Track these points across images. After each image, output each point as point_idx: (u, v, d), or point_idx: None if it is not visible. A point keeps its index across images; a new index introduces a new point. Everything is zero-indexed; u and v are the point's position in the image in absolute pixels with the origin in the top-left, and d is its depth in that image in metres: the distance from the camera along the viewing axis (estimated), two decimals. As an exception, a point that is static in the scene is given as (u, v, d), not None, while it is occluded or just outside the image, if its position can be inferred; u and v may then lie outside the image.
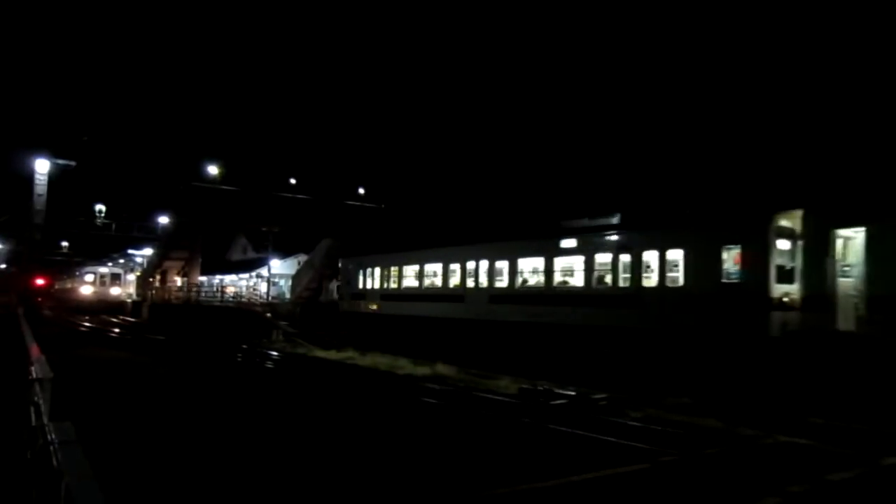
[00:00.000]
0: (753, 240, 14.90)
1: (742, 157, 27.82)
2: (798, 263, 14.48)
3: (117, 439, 9.97)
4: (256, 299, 44.41)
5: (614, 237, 18.09)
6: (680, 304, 16.07)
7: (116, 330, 36.92)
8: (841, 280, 13.94)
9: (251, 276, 55.13)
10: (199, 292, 47.27)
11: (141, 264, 62.18)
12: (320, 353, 25.17)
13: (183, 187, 44.08)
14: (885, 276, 13.00)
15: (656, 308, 16.54)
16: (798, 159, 24.93)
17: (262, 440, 10.43)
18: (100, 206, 50.74)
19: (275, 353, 24.21)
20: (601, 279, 18.37)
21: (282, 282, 51.31)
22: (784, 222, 14.81)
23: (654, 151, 32.09)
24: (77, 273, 64.93)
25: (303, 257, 46.86)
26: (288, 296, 44.65)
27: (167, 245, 50.26)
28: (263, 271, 49.82)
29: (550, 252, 19.80)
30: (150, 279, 54.55)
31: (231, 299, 44.45)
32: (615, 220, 19.00)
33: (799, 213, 14.73)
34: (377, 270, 28.10)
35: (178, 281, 54.77)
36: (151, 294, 51.29)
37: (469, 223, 31.49)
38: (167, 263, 51.76)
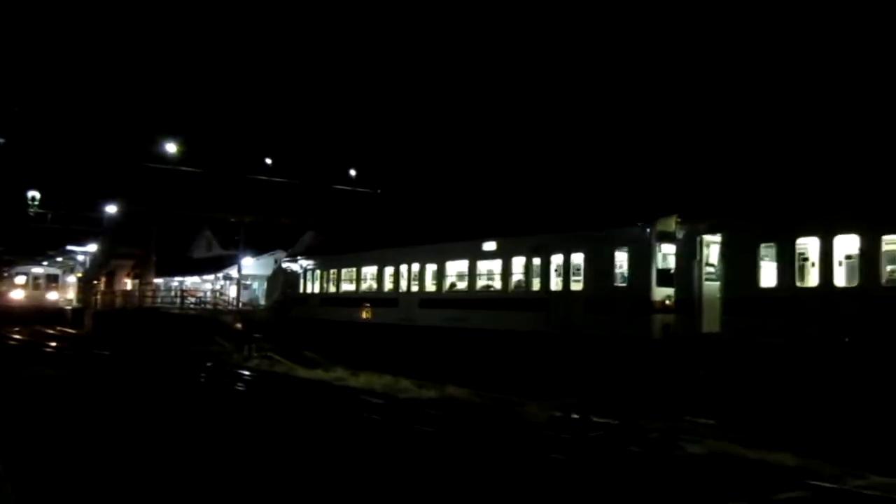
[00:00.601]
0: (638, 244, 18.45)
1: (645, 161, 33.60)
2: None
3: (46, 484, 9.52)
4: (225, 306, 43.77)
5: (528, 240, 21.24)
6: (581, 307, 19.53)
7: (53, 343, 36.53)
8: (707, 283, 16.99)
9: (218, 278, 54.54)
10: (154, 298, 46.66)
11: (83, 264, 61.60)
12: (303, 373, 25.13)
13: (134, 169, 43.35)
14: (738, 279, 16.18)
15: (562, 312, 19.91)
16: (685, 164, 30.28)
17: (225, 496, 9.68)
18: (33, 193, 50.06)
19: (247, 373, 23.80)
20: (518, 283, 21.63)
21: (255, 284, 50.84)
22: (666, 227, 17.98)
23: (573, 155, 38.60)
24: (6, 274, 64.41)
25: (281, 255, 46.25)
26: (263, 301, 44.13)
27: (115, 240, 49.73)
28: (233, 272, 49.20)
29: (474, 255, 23.03)
30: (95, 281, 54.13)
31: (193, 306, 43.78)
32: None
33: (675, 218, 17.87)
34: (317, 273, 31.47)
35: (129, 284, 54.24)
36: (96, 300, 50.86)
37: (411, 224, 35.61)
38: (115, 262, 51.31)
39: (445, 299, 23.94)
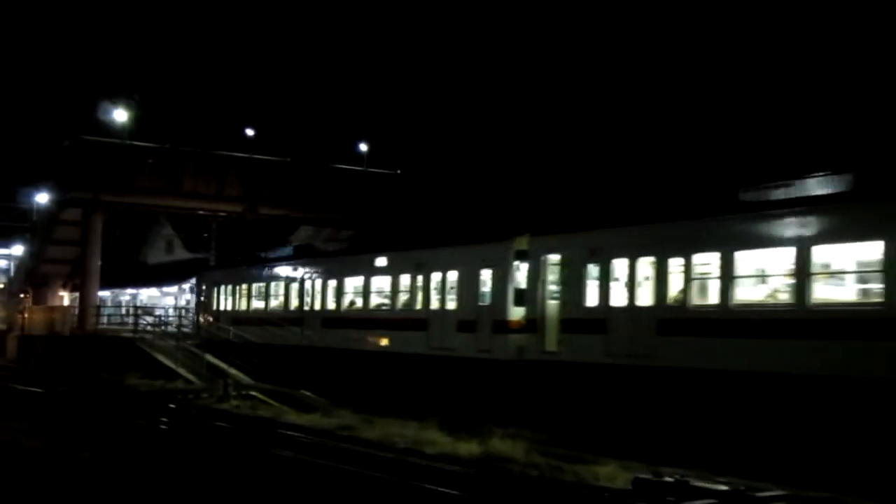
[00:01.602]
0: (499, 262, 23.95)
1: (534, 174, 44.27)
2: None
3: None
4: (191, 326, 43.89)
5: (412, 255, 26.61)
6: (454, 327, 25.20)
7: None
8: (550, 303, 22.42)
9: (182, 290, 54.83)
10: (97, 316, 46.97)
11: (6, 271, 62.42)
12: (296, 419, 25.21)
13: (70, 144, 43.67)
14: (570, 299, 22.07)
15: (438, 331, 25.56)
16: (567, 179, 40.84)
17: None
18: (-61, 178, 50.99)
19: (223, 423, 23.79)
20: (405, 302, 27.31)
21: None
22: (521, 245, 23.18)
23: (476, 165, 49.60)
24: None
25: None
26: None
27: (46, 238, 50.08)
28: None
29: (368, 270, 28.88)
30: (22, 294, 54.69)
31: (149, 327, 43.94)
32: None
33: (527, 237, 23.13)
34: (228, 288, 37.52)
35: (66, 297, 54.76)
36: (23, 318, 51.37)
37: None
38: (47, 268, 51.72)
39: (343, 318, 29.99)
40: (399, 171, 47.77)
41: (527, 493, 14.57)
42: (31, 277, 53.00)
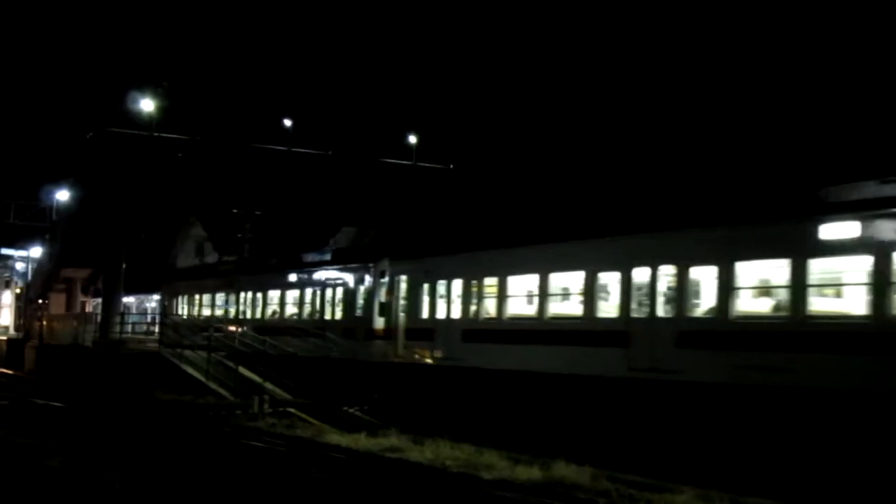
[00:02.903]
0: (368, 282, 32.89)
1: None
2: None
3: None
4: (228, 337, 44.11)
5: (315, 273, 36.81)
6: (340, 334, 33.96)
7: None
8: (401, 315, 31.24)
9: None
10: (121, 324, 47.44)
11: (23, 275, 63.20)
12: (339, 439, 25.28)
13: (93, 137, 44.20)
14: (412, 313, 30.56)
15: (330, 338, 33.95)
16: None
17: None
18: (-46, 175, 51.79)
19: (258, 442, 23.93)
20: (310, 312, 37.14)
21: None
22: (384, 267, 32.22)
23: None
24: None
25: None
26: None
27: (67, 240, 50.71)
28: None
29: (282, 284, 39.21)
30: (41, 300, 55.35)
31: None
32: (328, 255, 38.62)
33: (387, 261, 32.28)
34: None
35: (88, 303, 55.37)
36: (42, 326, 51.98)
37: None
38: (67, 272, 52.31)
39: (272, 327, 37.94)
40: (452, 166, 47.66)
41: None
42: (51, 282, 53.63)
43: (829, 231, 18.98)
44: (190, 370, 37.48)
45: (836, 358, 18.22)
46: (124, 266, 50.21)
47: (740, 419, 19.62)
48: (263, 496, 16.71)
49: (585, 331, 23.86)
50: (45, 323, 52.66)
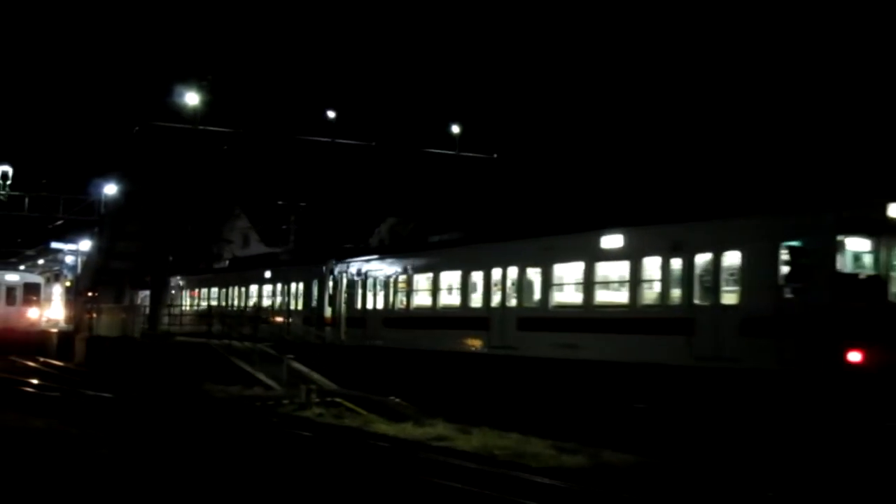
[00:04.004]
0: (321, 278, 39.42)
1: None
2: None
3: None
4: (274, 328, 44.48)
5: (281, 270, 44.83)
6: (301, 321, 41.01)
7: (34, 381, 37.94)
8: (343, 306, 37.72)
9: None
10: (170, 317, 47.95)
11: (73, 267, 63.84)
12: (386, 428, 25.38)
13: (140, 131, 44.68)
14: (350, 303, 37.57)
15: (293, 325, 41.17)
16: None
17: None
18: (3, 168, 52.44)
19: (305, 432, 24.12)
20: (280, 303, 44.64)
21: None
22: (332, 266, 38.58)
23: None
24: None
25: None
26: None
27: (115, 233, 51.27)
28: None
29: (259, 279, 46.71)
30: (90, 293, 55.94)
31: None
32: (286, 256, 48.58)
33: (333, 261, 38.72)
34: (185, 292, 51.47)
35: (138, 295, 55.95)
36: (91, 318, 52.55)
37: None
38: (115, 264, 52.82)
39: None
40: (496, 156, 47.50)
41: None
42: (100, 275, 54.13)
43: (606, 242, 25.66)
44: (237, 361, 37.85)
45: (611, 336, 25.04)
46: (171, 258, 50.74)
47: (562, 385, 25.75)
48: (318, 484, 16.99)
49: (462, 317, 30.98)
50: (94, 315, 53.24)
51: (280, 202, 49.98)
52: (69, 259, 65.20)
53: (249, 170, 48.33)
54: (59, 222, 59.25)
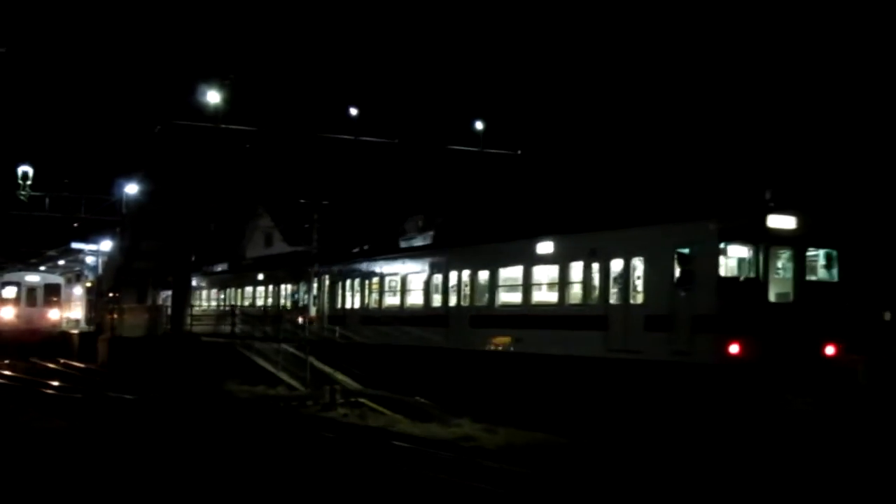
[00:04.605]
0: (307, 279, 45.25)
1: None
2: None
3: None
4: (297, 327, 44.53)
5: (273, 273, 50.47)
6: (295, 317, 44.55)
7: (55, 382, 38.02)
8: (326, 305, 43.72)
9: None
10: (192, 317, 48.04)
11: (94, 268, 63.92)
12: (411, 428, 25.47)
13: (161, 130, 44.69)
14: (331, 303, 43.29)
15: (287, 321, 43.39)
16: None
17: None
18: (24, 169, 52.50)
19: (330, 433, 24.04)
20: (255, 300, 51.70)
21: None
22: (316, 269, 44.60)
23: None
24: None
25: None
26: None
27: (137, 233, 51.39)
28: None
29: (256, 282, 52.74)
30: (112, 293, 56.02)
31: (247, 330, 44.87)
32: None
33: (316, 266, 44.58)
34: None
35: (161, 295, 56.04)
36: (113, 319, 52.62)
37: None
38: (138, 264, 52.89)
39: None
40: (519, 152, 47.17)
41: None
42: (121, 275, 54.18)
43: (541, 248, 29.54)
44: (261, 361, 37.96)
45: (545, 331, 28.77)
46: (194, 258, 50.77)
47: (509, 376, 29.41)
48: (345, 487, 16.85)
49: (423, 315, 35.10)
50: (116, 316, 53.29)
51: (302, 200, 49.76)
52: (90, 259, 65.21)
53: (271, 168, 48.38)
54: (78, 223, 59.39)
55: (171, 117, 44.36)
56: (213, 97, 43.75)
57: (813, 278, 24.99)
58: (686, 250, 24.15)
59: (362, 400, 30.93)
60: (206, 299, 57.69)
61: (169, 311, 49.10)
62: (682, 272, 24.02)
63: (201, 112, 43.92)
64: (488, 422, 25.43)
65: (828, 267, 25.22)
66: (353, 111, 45.76)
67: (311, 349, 37.06)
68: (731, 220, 24.05)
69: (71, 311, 67.89)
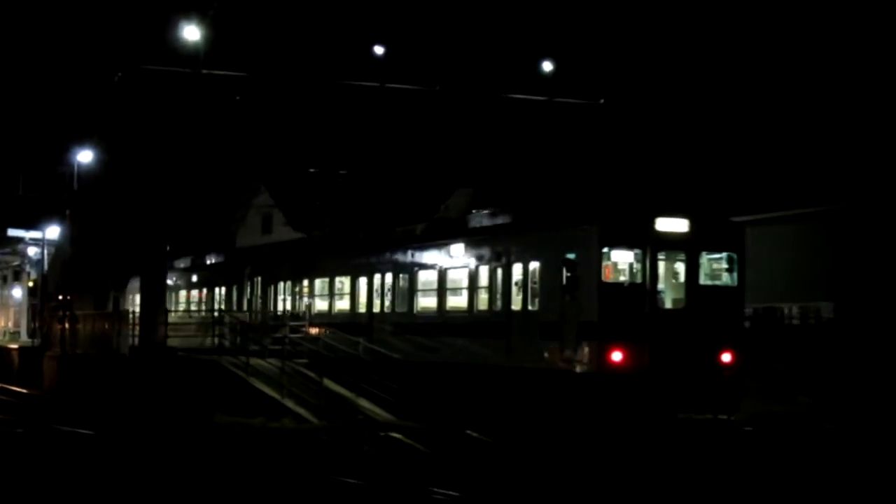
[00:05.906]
0: (240, 281, 54.26)
1: None
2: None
3: None
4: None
5: (218, 272, 58.34)
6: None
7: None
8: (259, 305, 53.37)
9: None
10: (167, 326, 47.87)
11: (38, 262, 64.16)
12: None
13: (123, 78, 44.54)
14: (264, 305, 51.65)
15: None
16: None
17: None
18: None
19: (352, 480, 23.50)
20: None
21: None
22: (248, 272, 53.86)
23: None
24: None
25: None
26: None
27: (92, 216, 51.34)
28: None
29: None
30: (61, 296, 56.16)
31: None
32: (222, 257, 61.83)
33: (249, 268, 53.83)
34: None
35: (130, 297, 56.10)
36: (64, 330, 52.73)
37: None
38: (95, 258, 52.88)
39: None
40: (602, 101, 46.61)
41: None
42: (73, 272, 54.30)
43: (454, 251, 35.22)
44: (259, 385, 37.72)
45: (456, 339, 35.03)
46: (168, 248, 50.64)
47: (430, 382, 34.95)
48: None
49: (346, 322, 41.32)
50: (67, 326, 53.39)
51: (312, 170, 49.61)
52: (32, 251, 65.43)
53: (270, 128, 48.04)
54: (16, 204, 59.54)
55: (136, 61, 44.20)
56: (191, 34, 43.44)
57: (709, 283, 30.53)
58: (573, 255, 29.71)
59: (395, 434, 30.58)
60: (185, 301, 59.47)
61: (136, 318, 48.96)
62: (568, 278, 29.36)
63: (176, 53, 43.70)
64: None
65: (728, 271, 30.78)
66: (379, 50, 45.42)
67: (325, 367, 36.83)
68: (614, 224, 29.98)
69: (8, 320, 68.33)
